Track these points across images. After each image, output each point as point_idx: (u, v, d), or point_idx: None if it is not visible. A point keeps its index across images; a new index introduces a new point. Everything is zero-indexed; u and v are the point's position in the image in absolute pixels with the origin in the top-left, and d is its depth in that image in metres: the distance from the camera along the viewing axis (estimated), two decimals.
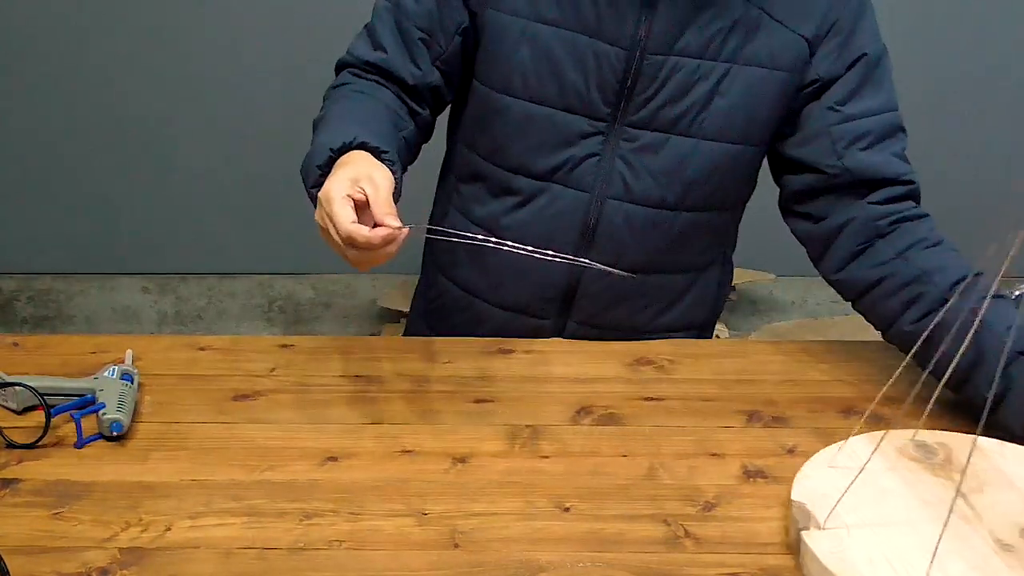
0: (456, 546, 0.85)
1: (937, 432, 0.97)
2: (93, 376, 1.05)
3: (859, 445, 0.94)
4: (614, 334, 1.20)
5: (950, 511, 0.79)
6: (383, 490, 0.91)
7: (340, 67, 1.21)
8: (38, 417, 0.98)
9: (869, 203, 1.14)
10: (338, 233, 0.91)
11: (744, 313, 2.70)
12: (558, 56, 1.12)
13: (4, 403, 1.04)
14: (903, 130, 1.18)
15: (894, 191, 1.14)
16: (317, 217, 0.96)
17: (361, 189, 0.93)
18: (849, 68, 1.14)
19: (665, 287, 1.24)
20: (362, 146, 1.01)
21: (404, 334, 1.45)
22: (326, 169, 0.99)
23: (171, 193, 2.61)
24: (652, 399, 1.09)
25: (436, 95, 1.21)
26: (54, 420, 0.98)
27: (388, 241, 0.91)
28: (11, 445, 0.97)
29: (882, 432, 0.93)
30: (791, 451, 0.99)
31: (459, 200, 1.26)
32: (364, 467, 0.95)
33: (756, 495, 0.93)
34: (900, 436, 0.96)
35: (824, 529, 0.82)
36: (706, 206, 1.20)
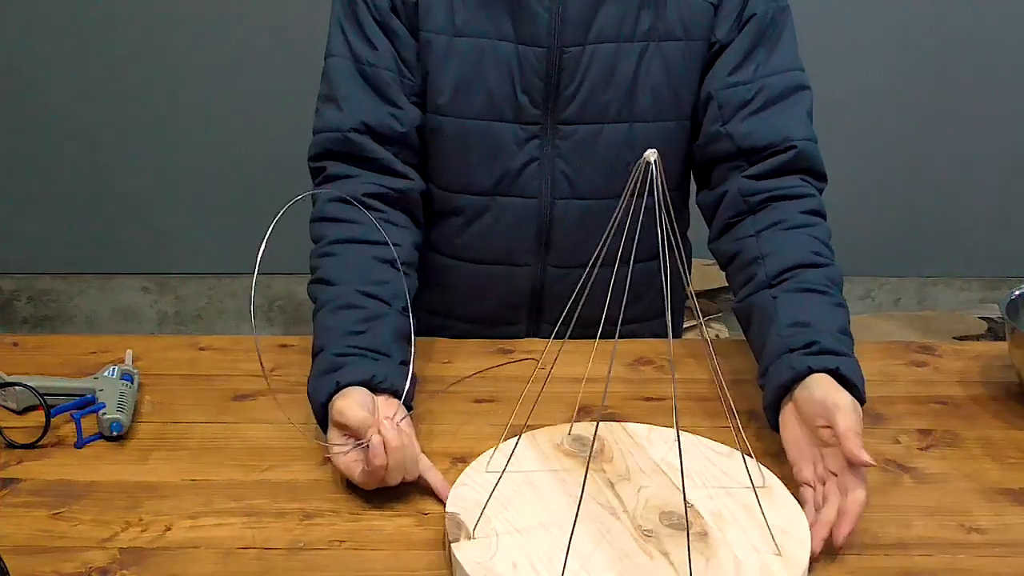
0: None
1: (589, 425, 0.98)
2: (93, 376, 1.05)
3: (511, 446, 0.92)
4: (590, 331, 1.19)
5: (578, 505, 0.79)
6: (383, 490, 0.91)
7: (318, 157, 1.14)
8: (38, 417, 0.98)
9: (746, 176, 1.13)
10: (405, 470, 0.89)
11: None
12: (482, 67, 1.11)
13: (4, 403, 1.04)
14: (804, 88, 1.15)
15: (776, 161, 1.12)
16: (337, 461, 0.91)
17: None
18: (740, 30, 1.13)
19: (631, 276, 1.24)
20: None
21: None
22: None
23: (171, 193, 2.61)
24: (652, 399, 1.09)
25: (420, 135, 1.16)
26: (54, 420, 0.98)
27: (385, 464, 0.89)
28: (11, 445, 0.97)
29: (535, 431, 0.95)
30: None
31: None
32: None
33: None
34: (557, 431, 0.97)
35: (473, 539, 0.82)
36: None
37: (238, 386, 1.09)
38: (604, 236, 0.84)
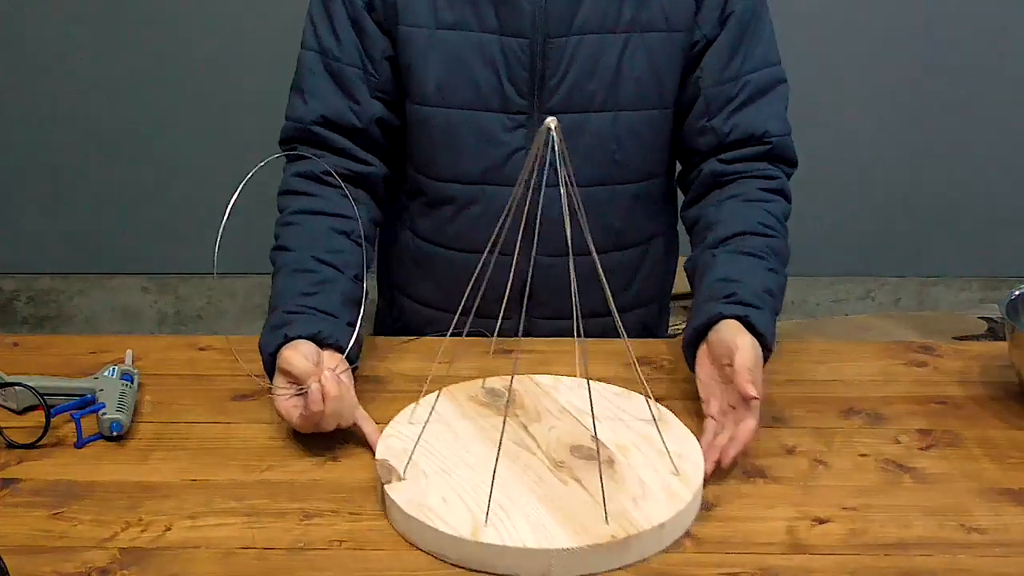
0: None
1: (504, 378, 1.06)
2: (93, 376, 1.05)
3: (431, 400, 1.01)
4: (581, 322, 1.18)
5: (501, 437, 0.87)
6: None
7: (286, 140, 1.21)
8: (38, 417, 0.98)
9: (720, 160, 1.20)
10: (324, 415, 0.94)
11: None
12: (467, 58, 1.14)
13: (4, 403, 1.04)
14: (781, 82, 1.21)
15: (751, 152, 1.20)
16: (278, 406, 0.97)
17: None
18: (722, 27, 1.17)
19: (616, 266, 1.26)
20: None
21: None
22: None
23: (171, 193, 2.61)
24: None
25: (384, 127, 1.21)
26: (54, 420, 0.98)
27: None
28: (11, 445, 0.97)
29: (451, 387, 1.04)
30: (791, 451, 0.99)
31: (407, 218, 1.29)
32: (364, 467, 0.94)
33: (756, 495, 0.93)
34: (472, 385, 1.05)
35: (404, 480, 0.89)
36: (638, 177, 1.23)
37: (238, 386, 1.09)
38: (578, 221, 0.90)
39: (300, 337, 0.99)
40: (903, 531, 0.88)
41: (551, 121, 0.83)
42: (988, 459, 0.99)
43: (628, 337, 0.95)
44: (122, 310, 2.75)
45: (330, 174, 1.14)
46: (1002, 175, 2.61)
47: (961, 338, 2.37)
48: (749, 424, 0.94)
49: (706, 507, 0.91)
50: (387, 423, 0.98)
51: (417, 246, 1.28)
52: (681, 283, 2.53)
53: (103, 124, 2.54)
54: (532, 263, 1.18)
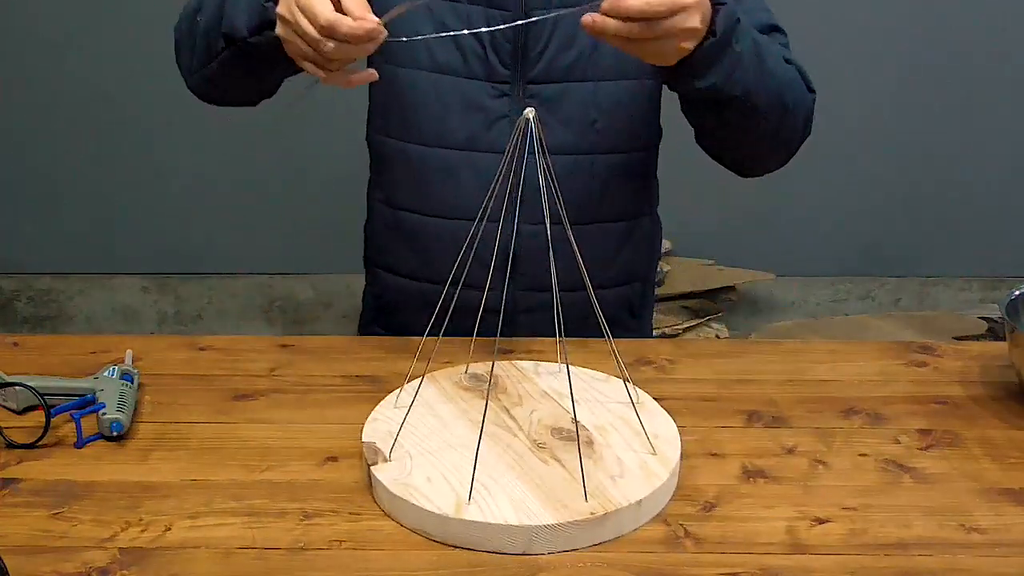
0: (456, 546, 0.85)
1: (486, 364, 1.09)
2: (93, 376, 1.05)
3: (416, 385, 1.02)
4: (562, 297, 1.16)
5: (483, 419, 0.90)
6: None
7: None
8: (38, 417, 0.98)
9: None
10: (317, 26, 0.91)
11: (744, 313, 2.70)
12: (456, 28, 1.16)
13: (4, 403, 1.04)
14: (776, 30, 1.20)
15: None
16: (284, 10, 0.95)
17: None
18: None
19: (599, 238, 1.26)
20: None
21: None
22: None
23: (171, 193, 2.61)
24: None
25: None
26: (54, 420, 0.98)
27: (369, 38, 0.92)
28: (11, 445, 0.97)
29: (435, 372, 1.07)
30: (791, 451, 0.99)
31: (382, 192, 1.29)
32: (364, 467, 0.94)
33: (756, 495, 0.93)
34: (455, 371, 1.09)
35: (390, 461, 0.91)
36: (619, 147, 1.24)
37: (238, 386, 1.09)
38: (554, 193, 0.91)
39: None
40: (903, 531, 0.88)
41: (529, 112, 0.86)
42: (988, 459, 0.99)
43: (611, 314, 0.96)
44: (122, 310, 2.75)
45: None
46: (1002, 175, 2.61)
47: (961, 338, 2.38)
48: None
49: (706, 507, 0.91)
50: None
51: (396, 217, 1.28)
52: (681, 283, 2.53)
53: (103, 124, 2.55)
54: (516, 230, 1.19)
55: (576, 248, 0.94)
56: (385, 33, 0.93)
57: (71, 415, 0.98)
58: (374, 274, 1.36)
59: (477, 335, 1.03)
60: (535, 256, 1.21)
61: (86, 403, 1.00)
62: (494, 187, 0.95)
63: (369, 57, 1.16)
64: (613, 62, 1.19)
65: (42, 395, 0.99)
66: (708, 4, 0.97)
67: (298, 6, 0.94)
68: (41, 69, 2.49)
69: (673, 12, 0.92)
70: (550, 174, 0.89)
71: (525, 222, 1.19)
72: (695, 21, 0.94)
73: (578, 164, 1.22)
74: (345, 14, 0.92)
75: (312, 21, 0.93)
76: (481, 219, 0.96)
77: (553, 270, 0.95)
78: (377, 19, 0.93)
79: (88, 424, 0.98)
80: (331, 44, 0.93)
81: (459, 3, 1.18)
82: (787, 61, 1.18)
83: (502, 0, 1.17)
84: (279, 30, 0.99)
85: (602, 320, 0.97)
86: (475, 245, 0.98)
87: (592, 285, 0.97)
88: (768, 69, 1.10)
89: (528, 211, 1.17)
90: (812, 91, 1.21)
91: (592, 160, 1.23)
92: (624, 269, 1.31)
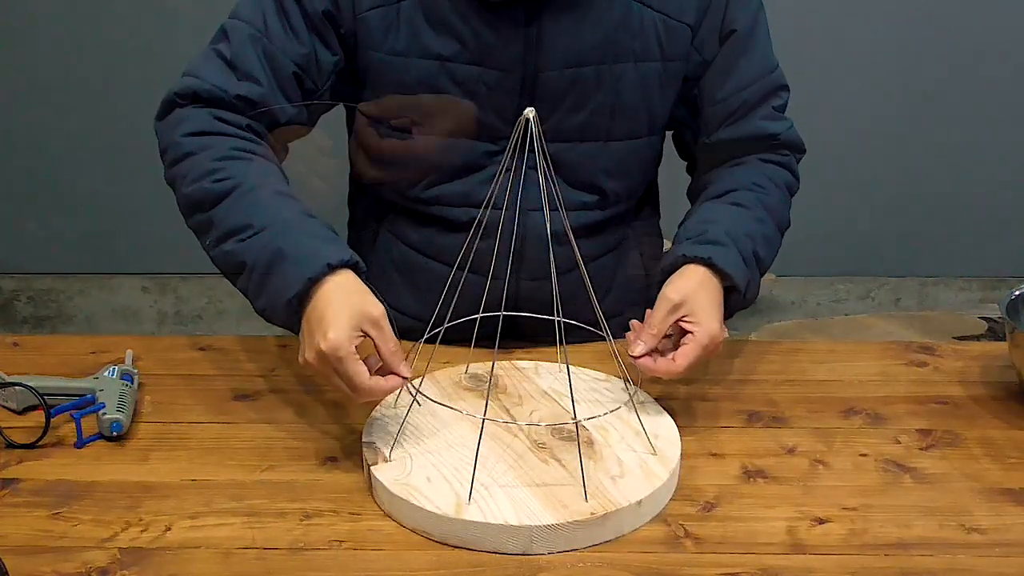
0: (456, 546, 0.85)
1: (486, 364, 1.07)
2: (93, 376, 1.05)
3: (415, 386, 0.99)
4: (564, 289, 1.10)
5: (483, 419, 0.89)
6: None
7: (189, 96, 1.09)
8: (38, 417, 0.98)
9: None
10: (354, 391, 0.89)
11: (744, 313, 2.69)
12: (450, 91, 1.10)
13: (4, 403, 1.04)
14: (782, 87, 1.20)
15: (760, 146, 1.19)
16: (313, 361, 0.90)
17: (363, 333, 0.90)
18: (721, 46, 1.15)
19: (597, 275, 1.19)
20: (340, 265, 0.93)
21: None
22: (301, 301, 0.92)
23: (171, 193, 2.60)
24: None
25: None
26: (54, 420, 0.98)
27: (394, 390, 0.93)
28: (11, 445, 0.97)
29: (435, 372, 1.07)
30: (791, 451, 1.00)
31: (388, 223, 1.23)
32: (364, 467, 0.94)
33: (756, 495, 0.93)
34: (455, 371, 1.08)
35: (390, 461, 0.91)
36: (621, 199, 1.22)
37: (238, 386, 1.09)
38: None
39: (346, 265, 0.92)
40: (903, 531, 0.88)
41: (529, 112, 0.85)
42: (988, 459, 0.99)
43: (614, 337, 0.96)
44: (122, 310, 2.75)
45: (256, 131, 1.07)
46: (1002, 175, 2.61)
47: (961, 338, 2.37)
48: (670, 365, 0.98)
49: (706, 507, 0.91)
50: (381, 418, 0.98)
51: (399, 251, 1.22)
52: None
53: (103, 124, 2.54)
54: (518, 285, 1.17)
55: (582, 265, 0.93)
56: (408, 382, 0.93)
57: (71, 415, 0.98)
58: None
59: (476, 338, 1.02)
60: (537, 311, 1.12)
61: (86, 403, 1.00)
62: (494, 188, 0.95)
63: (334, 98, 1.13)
64: (626, 124, 1.15)
65: (42, 395, 0.99)
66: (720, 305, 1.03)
67: (337, 369, 0.88)
68: (41, 69, 2.49)
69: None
70: (550, 174, 0.89)
71: (525, 279, 1.18)
72: (718, 335, 1.00)
73: (580, 219, 1.16)
74: (382, 359, 0.91)
75: (347, 383, 0.89)
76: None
77: (553, 271, 0.95)
78: (408, 369, 0.91)
79: (88, 424, 0.98)
80: (361, 400, 0.92)
81: (450, 63, 1.08)
82: (783, 121, 1.19)
83: (504, 61, 1.08)
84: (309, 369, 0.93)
85: (602, 320, 0.97)
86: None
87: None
88: (776, 247, 1.15)
89: (529, 263, 1.16)
90: (803, 151, 1.22)
91: (595, 214, 1.19)
92: (616, 303, 1.25)
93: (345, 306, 0.90)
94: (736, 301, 1.07)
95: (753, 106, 1.17)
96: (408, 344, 0.97)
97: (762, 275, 1.11)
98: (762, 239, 1.10)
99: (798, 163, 1.22)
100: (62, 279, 2.72)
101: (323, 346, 0.87)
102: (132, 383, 1.05)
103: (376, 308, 0.91)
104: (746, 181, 1.15)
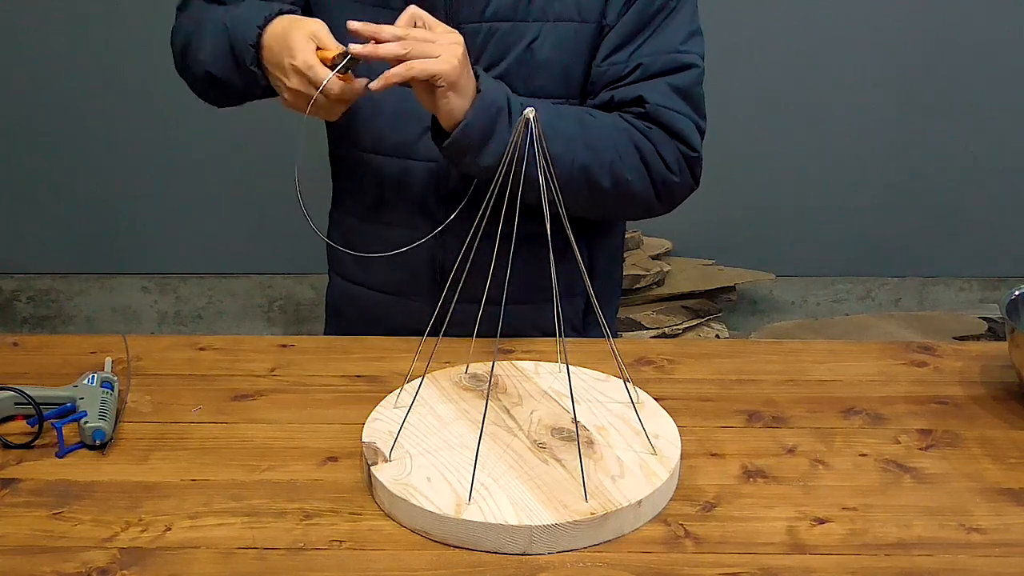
0: (456, 546, 0.85)
1: (486, 364, 1.09)
2: (72, 384, 1.03)
3: (416, 385, 1.03)
4: (496, 309, 1.10)
5: (483, 418, 0.91)
6: None
7: None
8: (22, 426, 0.98)
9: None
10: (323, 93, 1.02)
11: (744, 313, 2.70)
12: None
13: None
14: (686, 67, 1.18)
15: (632, 112, 1.17)
16: (295, 86, 1.05)
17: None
18: (623, 14, 1.16)
19: (522, 251, 1.20)
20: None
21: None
22: (258, 43, 1.10)
23: (171, 193, 2.61)
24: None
25: None
26: (35, 429, 0.97)
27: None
28: (7, 445, 0.97)
29: (435, 372, 1.07)
30: (791, 451, 1.00)
31: (339, 198, 1.32)
32: (364, 467, 0.94)
33: (756, 495, 0.93)
34: (455, 371, 1.09)
35: (390, 461, 0.92)
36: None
37: (238, 386, 1.09)
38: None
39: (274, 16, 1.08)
40: (903, 531, 0.88)
41: (529, 112, 0.87)
42: (988, 459, 0.99)
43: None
44: (122, 310, 2.75)
45: None
46: (1002, 175, 2.61)
47: (961, 338, 2.38)
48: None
49: (706, 507, 0.91)
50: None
51: (352, 227, 1.30)
52: (681, 283, 2.53)
53: (103, 124, 2.55)
54: (443, 245, 1.20)
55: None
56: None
57: (52, 424, 0.97)
58: (331, 278, 1.37)
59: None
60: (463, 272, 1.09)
61: (66, 412, 0.99)
62: (494, 188, 0.94)
63: None
64: (542, 80, 1.17)
65: (24, 403, 0.98)
66: (472, 84, 1.05)
67: (310, 82, 1.03)
68: (41, 69, 2.49)
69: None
70: (550, 174, 0.89)
71: (452, 236, 1.18)
72: (441, 65, 1.02)
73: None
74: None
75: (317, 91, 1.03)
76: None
77: (553, 271, 0.95)
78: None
79: (70, 432, 0.97)
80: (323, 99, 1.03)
81: (378, 8, 1.16)
82: (672, 99, 1.16)
83: (427, 8, 1.09)
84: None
85: (602, 320, 0.97)
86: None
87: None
88: (572, 155, 1.11)
89: (460, 221, 1.14)
90: (681, 139, 1.17)
91: None
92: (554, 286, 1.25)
93: (291, 31, 1.06)
94: (464, 130, 1.07)
95: (644, 78, 1.17)
96: (416, 340, 0.97)
97: (531, 165, 0.97)
98: (548, 109, 1.10)
99: (683, 155, 1.17)
100: (62, 279, 2.73)
101: (299, 63, 1.03)
102: (112, 390, 1.03)
103: (314, 23, 1.06)
104: (584, 109, 1.16)
